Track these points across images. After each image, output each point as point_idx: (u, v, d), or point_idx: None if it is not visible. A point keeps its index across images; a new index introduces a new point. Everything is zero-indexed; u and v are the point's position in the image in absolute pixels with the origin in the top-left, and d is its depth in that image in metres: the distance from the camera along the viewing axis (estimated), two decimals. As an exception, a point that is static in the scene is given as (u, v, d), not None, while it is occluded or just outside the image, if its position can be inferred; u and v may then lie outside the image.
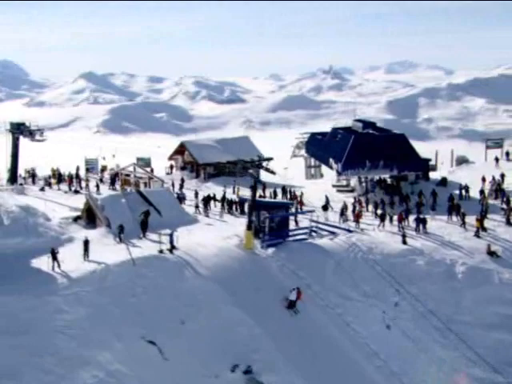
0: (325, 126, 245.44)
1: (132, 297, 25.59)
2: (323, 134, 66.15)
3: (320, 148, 59.32)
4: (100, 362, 22.76)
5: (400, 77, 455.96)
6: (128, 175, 50.53)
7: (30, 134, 47.34)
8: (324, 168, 63.30)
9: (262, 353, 24.18)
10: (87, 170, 61.86)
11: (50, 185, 49.07)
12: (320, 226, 34.97)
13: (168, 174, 64.37)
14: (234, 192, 50.30)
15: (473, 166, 58.80)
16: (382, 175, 50.35)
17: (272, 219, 31.86)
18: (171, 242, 28.32)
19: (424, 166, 51.86)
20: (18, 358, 22.05)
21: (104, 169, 63.57)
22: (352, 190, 50.54)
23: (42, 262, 27.42)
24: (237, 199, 40.84)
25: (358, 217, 37.56)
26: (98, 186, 53.01)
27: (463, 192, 44.98)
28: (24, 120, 49.36)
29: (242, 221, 37.84)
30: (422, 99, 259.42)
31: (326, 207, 40.67)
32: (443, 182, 50.00)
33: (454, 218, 38.79)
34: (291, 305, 27.32)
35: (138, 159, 68.21)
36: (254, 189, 30.75)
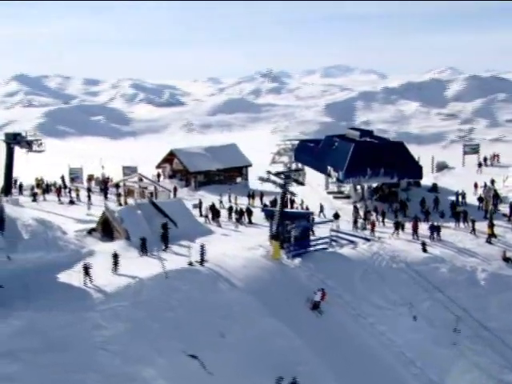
0: (265, 129, 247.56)
1: (168, 311, 25.47)
2: (313, 142, 66.96)
3: (314, 156, 59.64)
4: (145, 379, 22.63)
5: (336, 80, 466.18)
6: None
7: (28, 144, 46.60)
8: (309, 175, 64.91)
9: (304, 364, 24.31)
10: (72, 179, 61.20)
11: (35, 195, 48.46)
12: (339, 235, 35.26)
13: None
14: (229, 201, 50.49)
15: (454, 172, 60.45)
16: (382, 182, 51.08)
17: (296, 229, 32.07)
18: (202, 254, 28.24)
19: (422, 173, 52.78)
20: (59, 375, 21.78)
21: (91, 178, 63.00)
22: (348, 197, 51.29)
23: (69, 277, 27.14)
24: (249, 208, 41.05)
25: (373, 226, 38.02)
26: (89, 196, 52.61)
27: (460, 198, 46.05)
28: (20, 130, 48.65)
29: (258, 231, 38.29)
30: (359, 103, 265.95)
31: (337, 215, 41.11)
32: (434, 188, 51.09)
33: (461, 225, 39.53)
34: (315, 306, 27.64)
35: (125, 168, 67.75)
36: (282, 199, 30.89)
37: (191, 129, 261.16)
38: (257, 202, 49.30)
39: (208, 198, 49.54)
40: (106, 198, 54.56)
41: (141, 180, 45.56)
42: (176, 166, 69.27)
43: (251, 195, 51.94)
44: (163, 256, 30.86)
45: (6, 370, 21.52)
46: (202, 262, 28.27)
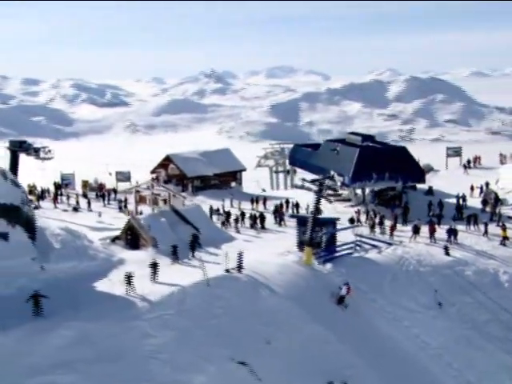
0: (211, 130, 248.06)
1: (212, 318, 25.87)
2: (308, 146, 68.11)
3: (312, 160, 60.47)
4: (196, 386, 22.95)
5: (280, 81, 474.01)
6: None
7: (36, 151, 46.47)
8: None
9: (351, 368, 24.96)
10: (65, 185, 61.18)
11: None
12: (363, 239, 36.05)
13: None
14: (231, 205, 51.21)
15: (440, 174, 62.04)
16: (388, 186, 52.12)
17: (325, 235, 32.76)
18: (240, 261, 28.71)
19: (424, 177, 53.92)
20: (112, 385, 22.02)
21: (85, 184, 62.99)
22: (347, 200, 52.34)
23: (112, 286, 27.35)
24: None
25: (392, 230, 38.85)
26: (89, 203, 52.76)
27: (461, 201, 47.30)
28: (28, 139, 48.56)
29: (277, 236, 39.00)
30: (303, 103, 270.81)
31: (352, 220, 41.97)
32: (430, 191, 52.38)
33: (472, 228, 40.60)
34: (341, 300, 28.54)
35: (118, 173, 67.87)
36: (317, 205, 31.52)
37: (136, 130, 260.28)
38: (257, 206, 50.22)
39: (208, 203, 50.05)
40: (104, 204, 54.84)
41: (153, 186, 45.69)
42: (171, 171, 69.55)
43: (255, 200, 52.70)
44: (194, 263, 31.28)
45: (62, 381, 21.70)
46: (239, 269, 28.71)
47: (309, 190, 32.92)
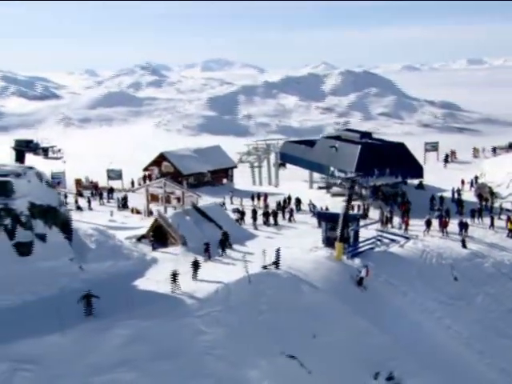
0: (148, 123, 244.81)
1: (259, 314, 26.56)
2: (300, 142, 69.00)
3: (309, 156, 61.22)
4: (251, 381, 23.71)
5: (216, 74, 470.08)
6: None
7: (44, 151, 46.22)
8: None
9: (395, 360, 25.95)
10: (57, 183, 60.85)
11: None
12: (384, 234, 37.09)
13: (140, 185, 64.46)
14: (231, 202, 51.81)
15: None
16: (388, 181, 53.30)
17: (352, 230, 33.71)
18: (278, 257, 29.37)
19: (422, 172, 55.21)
20: (175, 382, 22.61)
21: (79, 182, 62.78)
22: (343, 195, 53.51)
23: (149, 285, 27.88)
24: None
25: (406, 224, 39.96)
26: (89, 202, 52.77)
27: (455, 195, 48.87)
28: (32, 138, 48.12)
29: (295, 232, 39.74)
30: (241, 96, 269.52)
31: (365, 215, 43.08)
32: (421, 185, 53.83)
33: (476, 221, 42.04)
34: (360, 282, 29.84)
35: (109, 171, 67.66)
36: (348, 203, 32.38)
37: (69, 123, 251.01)
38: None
39: (205, 200, 50.24)
40: (101, 203, 54.87)
41: (165, 185, 45.95)
42: (165, 169, 69.67)
43: (257, 197, 53.23)
44: (226, 260, 31.89)
45: (124, 379, 22.25)
46: (277, 265, 29.37)
47: (343, 187, 33.41)
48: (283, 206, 48.67)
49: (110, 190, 59.00)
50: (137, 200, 51.55)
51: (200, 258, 31.58)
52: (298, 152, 64.92)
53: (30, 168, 30.69)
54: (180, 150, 75.15)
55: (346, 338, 26.45)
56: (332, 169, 55.07)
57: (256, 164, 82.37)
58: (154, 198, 47.37)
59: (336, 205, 45.74)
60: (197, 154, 73.61)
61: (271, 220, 42.92)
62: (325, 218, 35.02)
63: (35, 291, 27.15)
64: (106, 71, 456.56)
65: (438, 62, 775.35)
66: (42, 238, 28.86)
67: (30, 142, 47.59)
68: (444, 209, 43.64)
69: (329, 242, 33.99)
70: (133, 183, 65.38)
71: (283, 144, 75.15)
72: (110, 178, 66.37)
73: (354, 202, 48.27)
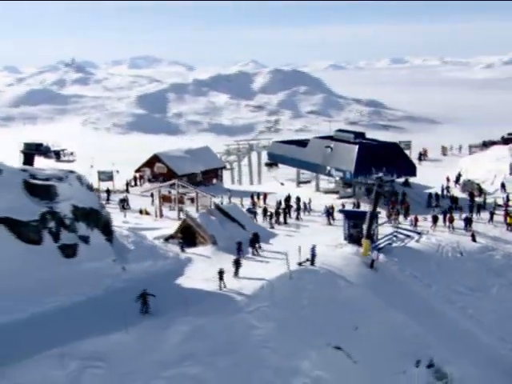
0: (74, 121, 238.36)
1: (302, 308, 27.63)
2: (289, 142, 70.15)
3: (301, 156, 62.33)
4: (304, 371, 24.82)
5: (144, 72, 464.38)
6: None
7: (56, 154, 46.17)
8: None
9: (432, 348, 27.41)
10: None
11: None
12: (399, 230, 38.53)
13: (132, 186, 64.65)
14: (229, 202, 52.52)
15: None
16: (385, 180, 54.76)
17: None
18: (313, 254, 30.42)
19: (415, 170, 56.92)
20: (237, 374, 23.59)
21: None
22: (335, 192, 55.08)
23: (194, 283, 28.69)
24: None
25: (416, 220, 41.48)
26: None
27: (445, 192, 50.79)
28: (41, 141, 47.93)
29: (308, 230, 40.80)
30: (171, 94, 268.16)
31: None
32: (407, 183, 55.64)
33: (475, 216, 43.85)
34: (372, 264, 31.75)
35: (100, 172, 67.46)
36: (376, 202, 33.63)
37: None
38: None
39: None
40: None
41: (178, 186, 46.48)
42: (158, 170, 69.88)
43: (257, 196, 53.92)
44: (259, 258, 32.81)
45: (190, 373, 23.07)
46: (312, 262, 30.44)
47: (372, 185, 34.70)
48: (288, 205, 49.53)
49: (107, 192, 58.87)
50: (136, 201, 51.79)
51: (230, 257, 32.45)
52: (288, 152, 65.94)
53: (71, 172, 31.02)
54: (172, 151, 75.41)
55: (385, 329, 27.73)
56: (328, 168, 56.35)
57: (235, 164, 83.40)
58: (165, 199, 47.80)
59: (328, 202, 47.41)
60: (188, 154, 74.02)
61: (281, 219, 43.86)
62: (348, 215, 36.18)
63: (82, 292, 27.57)
64: (29, 68, 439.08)
65: (363, 61, 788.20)
66: (85, 240, 29.28)
67: (40, 145, 47.48)
68: (444, 205, 45.40)
69: (351, 238, 35.22)
70: (127, 185, 65.40)
71: (271, 144, 76.27)
72: (100, 179, 66.11)
73: (347, 200, 50.06)
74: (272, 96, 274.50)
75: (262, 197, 54.08)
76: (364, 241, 33.35)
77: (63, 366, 21.85)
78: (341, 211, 38.69)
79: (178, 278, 29.87)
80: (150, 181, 69.04)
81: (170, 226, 41.08)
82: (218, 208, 38.63)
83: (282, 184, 65.34)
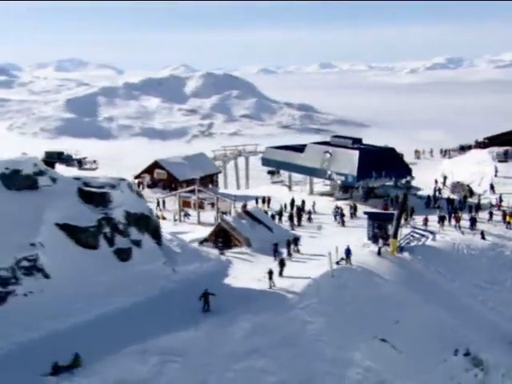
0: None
1: (347, 304, 29.13)
2: (283, 148, 71.27)
3: (298, 161, 63.62)
4: (357, 362, 26.30)
5: (72, 75, 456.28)
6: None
7: (79, 163, 46.75)
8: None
9: (468, 338, 29.23)
10: None
11: None
12: (415, 230, 40.42)
13: None
14: (234, 206, 53.64)
15: None
16: (385, 183, 56.70)
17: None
18: (348, 254, 31.97)
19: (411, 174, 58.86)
20: (299, 365, 24.97)
21: None
22: (330, 195, 56.82)
23: (247, 282, 29.88)
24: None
25: (426, 220, 43.39)
26: None
27: (437, 194, 52.62)
28: (62, 149, 48.40)
29: (332, 231, 42.26)
30: (101, 98, 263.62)
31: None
32: (396, 185, 57.50)
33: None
34: (379, 251, 34.01)
35: None
36: (403, 204, 35.37)
37: None
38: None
39: None
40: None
41: (199, 191, 47.56)
42: (158, 176, 70.60)
43: (263, 201, 55.06)
44: (296, 259, 34.26)
45: (257, 365, 24.36)
46: (347, 261, 31.99)
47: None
48: (298, 209, 50.77)
49: None
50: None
51: (266, 258, 33.84)
52: (283, 157, 66.97)
53: (122, 179, 31.95)
54: (171, 158, 76.23)
55: (422, 321, 29.42)
56: (329, 172, 57.90)
57: (221, 169, 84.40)
58: (185, 203, 48.74)
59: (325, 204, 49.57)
60: (186, 160, 74.87)
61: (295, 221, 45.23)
62: (373, 217, 37.85)
63: (139, 293, 28.58)
64: None
65: (293, 66, 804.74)
66: (138, 243, 30.27)
67: (61, 153, 47.89)
68: (455, 207, 47.31)
69: (375, 239, 36.88)
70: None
71: (266, 150, 77.29)
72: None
73: (344, 202, 51.56)
74: (205, 100, 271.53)
75: (265, 201, 55.14)
76: (392, 240, 35.05)
77: (145, 361, 22.89)
78: (365, 213, 40.27)
79: (225, 279, 31.08)
80: (149, 187, 69.60)
81: (195, 230, 42.34)
82: (246, 212, 39.87)
83: (290, 188, 66.14)
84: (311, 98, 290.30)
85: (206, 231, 39.79)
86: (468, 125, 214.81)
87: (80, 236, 28.58)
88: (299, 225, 45.00)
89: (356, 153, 55.61)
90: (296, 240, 35.25)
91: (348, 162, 55.53)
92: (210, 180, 73.50)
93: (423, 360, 27.58)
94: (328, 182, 59.58)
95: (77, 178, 30.93)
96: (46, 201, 29.04)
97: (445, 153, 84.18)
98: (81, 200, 29.77)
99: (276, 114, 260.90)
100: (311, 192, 60.51)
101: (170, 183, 68.31)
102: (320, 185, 61.71)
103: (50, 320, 25.19)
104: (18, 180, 28.83)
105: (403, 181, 39.05)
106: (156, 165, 71.28)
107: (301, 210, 49.16)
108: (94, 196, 29.82)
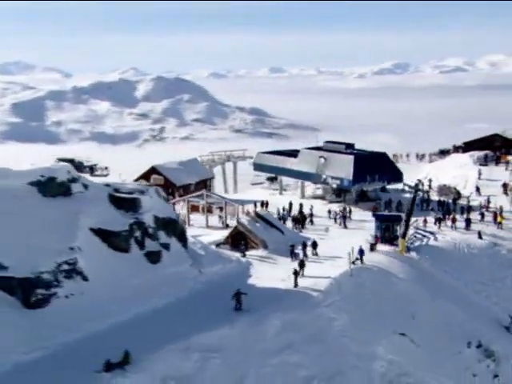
0: None
1: (366, 302, 30.22)
2: (274, 153, 72.12)
3: (292, 166, 64.57)
4: (380, 355, 27.40)
5: (17, 78, 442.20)
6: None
7: (91, 169, 47.16)
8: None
9: (479, 331, 30.57)
10: None
11: None
12: (418, 231, 41.77)
13: None
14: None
15: None
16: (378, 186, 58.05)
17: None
18: (361, 254, 33.11)
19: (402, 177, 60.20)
20: (329, 360, 26.01)
21: None
22: (322, 197, 58.07)
23: (273, 282, 30.79)
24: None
25: (425, 222, 44.79)
26: None
27: (425, 196, 54.27)
28: (74, 156, 48.79)
29: (334, 233, 43.33)
30: (48, 102, 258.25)
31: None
32: (384, 189, 58.95)
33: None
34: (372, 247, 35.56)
35: None
36: (412, 206, 36.62)
37: None
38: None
39: None
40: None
41: (207, 196, 48.31)
42: (155, 181, 70.99)
43: (261, 204, 55.85)
44: (314, 259, 35.25)
45: (291, 360, 25.32)
46: (361, 260, 33.13)
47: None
48: (301, 211, 51.71)
49: None
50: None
51: (282, 259, 34.81)
52: (276, 162, 67.82)
53: (149, 185, 32.58)
54: (168, 164, 76.64)
55: (437, 317, 30.68)
56: (324, 176, 59.01)
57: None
58: (194, 208, 49.40)
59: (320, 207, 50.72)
60: (182, 166, 75.44)
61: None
62: (381, 219, 39.07)
63: (170, 294, 29.22)
64: None
65: (243, 70, 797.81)
66: (166, 247, 30.95)
67: (72, 160, 48.22)
68: (448, 209, 48.82)
69: (384, 239, 38.09)
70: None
71: (257, 155, 77.94)
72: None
73: (338, 205, 52.68)
74: (156, 104, 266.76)
75: (263, 205, 55.83)
76: (401, 240, 36.31)
77: (188, 358, 23.61)
78: (374, 215, 41.48)
79: (248, 279, 31.92)
80: (144, 192, 69.67)
81: (209, 233, 43.06)
82: (259, 215, 40.75)
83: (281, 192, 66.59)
84: (262, 102, 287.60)
85: (219, 234, 40.63)
86: (414, 129, 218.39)
87: (113, 240, 29.16)
88: (303, 227, 45.99)
89: (351, 158, 56.82)
90: (314, 244, 36.12)
91: (343, 166, 56.68)
92: (204, 185, 74.15)
93: (439, 353, 28.79)
94: (320, 185, 60.61)
95: (107, 185, 31.46)
96: (79, 207, 29.56)
97: (421, 157, 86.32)
98: (112, 205, 30.35)
99: (228, 118, 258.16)
100: (303, 196, 61.41)
101: (167, 188, 68.69)
102: (310, 188, 62.66)
103: (90, 321, 25.70)
104: (53, 187, 29.28)
105: (413, 183, 40.19)
106: (153, 170, 71.72)
107: (303, 213, 50.21)
108: (124, 201, 30.42)
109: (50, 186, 29.25)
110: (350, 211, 48.55)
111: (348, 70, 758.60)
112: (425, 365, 27.90)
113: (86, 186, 30.64)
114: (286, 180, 65.94)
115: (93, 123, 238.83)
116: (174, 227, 31.74)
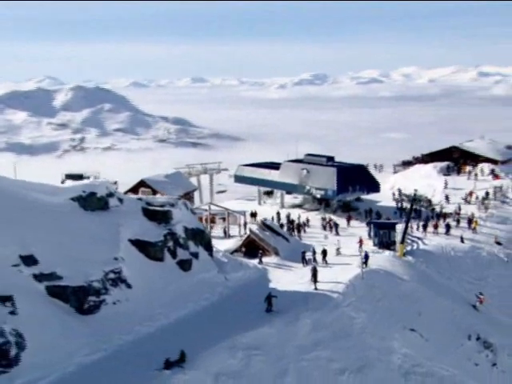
0: None
1: (378, 301, 32.20)
2: (254, 166, 73.51)
3: (274, 178, 66.28)
4: (396, 349, 29.29)
5: None
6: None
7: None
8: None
9: (478, 325, 32.99)
10: None
11: None
12: (409, 236, 44.21)
13: None
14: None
15: None
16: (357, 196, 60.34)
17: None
18: (366, 259, 35.14)
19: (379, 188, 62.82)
20: (354, 354, 27.70)
21: None
22: (300, 206, 60.21)
23: (288, 285, 32.48)
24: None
25: (411, 228, 47.26)
26: None
27: (399, 205, 56.99)
28: (83, 171, 48.83)
29: (333, 240, 45.26)
30: None
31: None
32: (359, 199, 61.62)
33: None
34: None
35: None
36: (410, 213, 38.90)
37: None
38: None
39: None
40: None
41: (210, 207, 49.55)
42: (143, 194, 71.47)
43: (251, 214, 57.40)
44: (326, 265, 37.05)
45: (323, 355, 26.93)
46: (366, 264, 35.17)
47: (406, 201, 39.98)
48: (292, 220, 53.37)
49: None
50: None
51: (299, 265, 36.51)
52: (258, 174, 69.15)
53: (178, 198, 33.78)
54: (155, 176, 77.01)
55: (440, 313, 32.94)
56: (308, 187, 60.99)
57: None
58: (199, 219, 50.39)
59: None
60: (167, 179, 76.04)
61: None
62: (380, 226, 41.29)
63: (203, 299, 30.49)
64: None
65: (164, 80, 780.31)
66: (196, 255, 32.18)
67: (81, 176, 48.29)
68: (427, 216, 51.55)
69: (382, 245, 40.31)
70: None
71: (238, 168, 79.05)
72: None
73: (316, 213, 54.70)
74: (75, 113, 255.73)
75: (253, 215, 57.22)
76: (399, 245, 38.60)
77: (234, 356, 24.88)
78: (371, 222, 43.65)
79: (269, 284, 33.45)
80: (134, 204, 70.01)
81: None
82: (265, 224, 42.33)
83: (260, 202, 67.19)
84: (185, 112, 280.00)
85: (230, 243, 42.00)
86: (335, 139, 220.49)
87: (149, 250, 30.21)
88: (299, 236, 47.69)
89: (334, 170, 58.91)
90: (325, 252, 37.77)
91: (327, 178, 58.62)
92: (188, 197, 74.95)
93: (444, 345, 30.98)
94: (298, 195, 62.06)
95: (139, 199, 32.50)
96: (117, 219, 30.51)
97: (380, 167, 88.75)
98: (146, 218, 31.44)
99: (151, 128, 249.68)
100: (282, 205, 62.96)
101: (156, 200, 69.03)
102: (289, 198, 63.93)
103: (138, 325, 26.73)
104: (93, 202, 30.13)
105: (411, 193, 42.56)
106: (142, 183, 72.08)
107: (293, 221, 51.70)
108: (157, 214, 31.54)
109: (90, 201, 30.10)
110: (331, 219, 50.37)
111: (269, 80, 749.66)
112: (433, 356, 29.93)
113: (121, 200, 31.61)
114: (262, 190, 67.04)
115: (9, 134, 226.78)
116: (202, 237, 33.00)
